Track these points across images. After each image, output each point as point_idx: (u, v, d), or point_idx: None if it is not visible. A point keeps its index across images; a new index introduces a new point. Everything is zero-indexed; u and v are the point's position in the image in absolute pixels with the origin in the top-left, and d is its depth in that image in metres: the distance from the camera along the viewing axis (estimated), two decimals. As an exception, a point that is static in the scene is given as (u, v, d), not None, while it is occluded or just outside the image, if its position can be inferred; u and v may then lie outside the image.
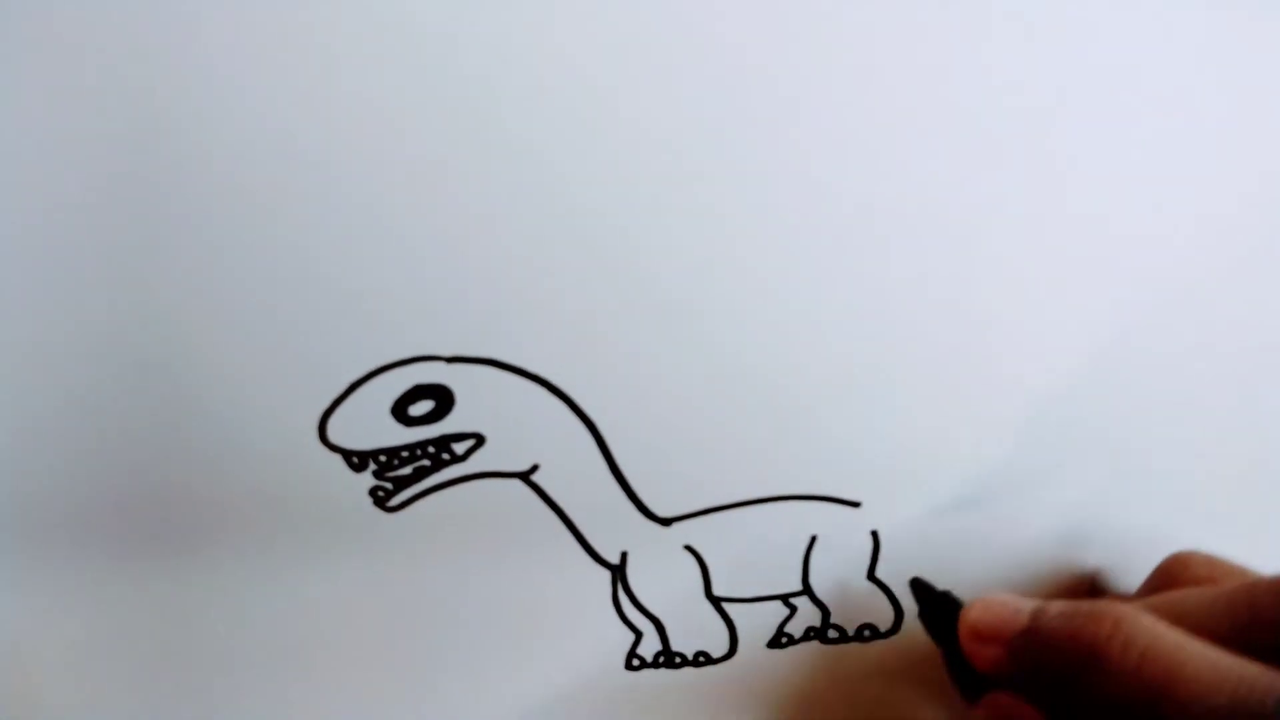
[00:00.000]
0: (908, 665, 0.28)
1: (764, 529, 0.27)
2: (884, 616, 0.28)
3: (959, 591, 0.25)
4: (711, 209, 0.23)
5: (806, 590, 0.28)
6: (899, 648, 0.28)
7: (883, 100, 0.22)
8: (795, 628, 0.28)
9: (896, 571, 0.28)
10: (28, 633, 0.26)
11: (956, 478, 0.27)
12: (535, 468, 0.25)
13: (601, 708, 0.29)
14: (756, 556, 0.27)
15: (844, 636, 0.29)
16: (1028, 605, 0.22)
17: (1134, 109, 0.23)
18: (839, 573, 0.28)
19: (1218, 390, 0.26)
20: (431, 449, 0.25)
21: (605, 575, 0.27)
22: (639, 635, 0.28)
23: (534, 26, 0.21)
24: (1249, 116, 0.23)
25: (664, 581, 0.27)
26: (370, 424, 0.24)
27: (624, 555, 0.27)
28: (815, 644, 0.29)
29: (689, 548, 0.27)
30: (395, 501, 0.25)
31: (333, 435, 0.24)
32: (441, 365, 0.24)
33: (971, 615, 0.23)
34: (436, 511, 0.25)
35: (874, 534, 0.27)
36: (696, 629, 0.28)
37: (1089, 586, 0.28)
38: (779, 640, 0.29)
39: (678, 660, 0.28)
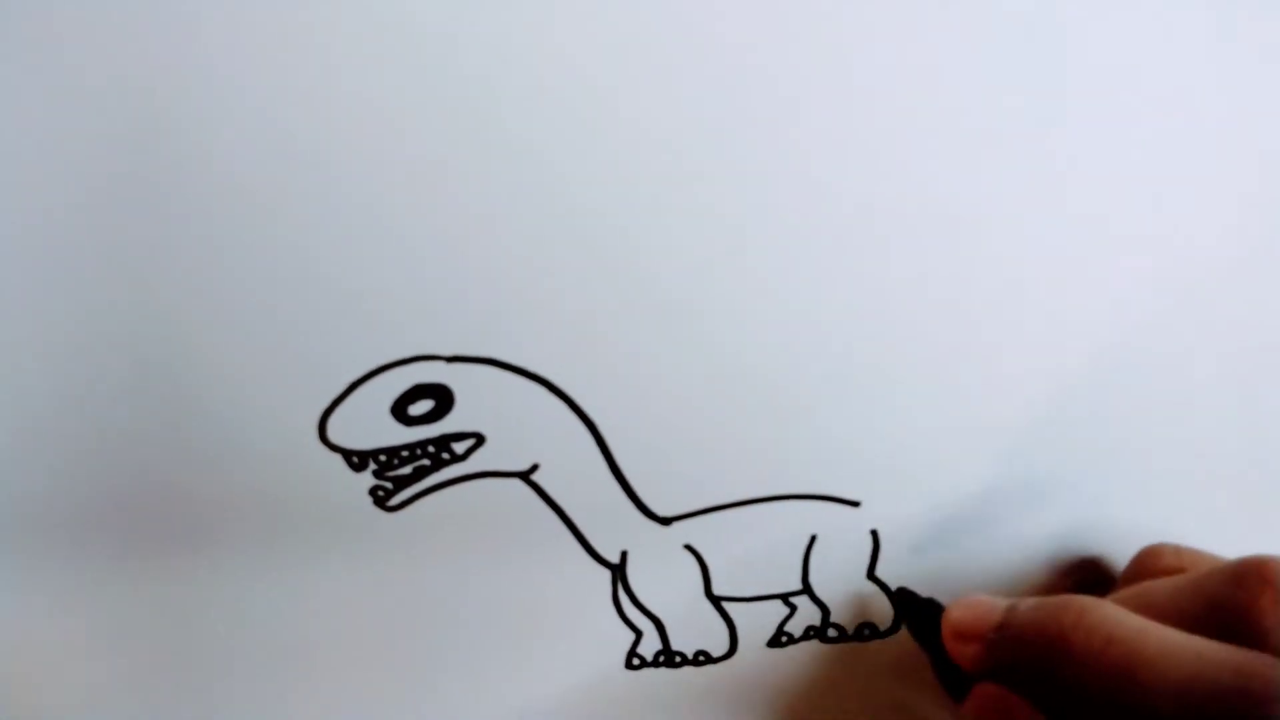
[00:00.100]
0: (907, 664, 0.28)
1: (764, 528, 0.27)
2: (884, 616, 0.28)
3: (960, 591, 0.25)
4: (711, 209, 0.23)
5: (806, 589, 0.28)
6: (899, 647, 0.28)
7: (883, 100, 0.22)
8: (795, 627, 0.28)
9: (896, 571, 0.28)
10: (28, 633, 0.26)
11: (956, 477, 0.27)
12: (535, 467, 0.25)
13: (601, 707, 0.29)
14: (756, 556, 0.27)
15: (844, 636, 0.29)
16: (1004, 603, 0.23)
17: (1134, 109, 0.23)
18: (839, 572, 0.28)
19: (1218, 390, 0.26)
20: (431, 448, 0.25)
21: (605, 574, 0.27)
22: (639, 634, 0.28)
23: (534, 26, 0.21)
24: (1249, 116, 0.23)
25: (664, 581, 0.27)
26: (370, 423, 0.24)
27: (624, 555, 0.27)
28: (815, 643, 0.29)
29: (689, 547, 0.27)
30: (395, 501, 0.25)
31: (333, 435, 0.24)
32: (441, 365, 0.24)
33: (953, 616, 0.24)
34: (436, 511, 0.25)
35: (874, 534, 0.27)
36: (697, 628, 0.28)
37: (1089, 586, 0.28)
38: (779, 639, 0.29)
39: (678, 659, 0.28)
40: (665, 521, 0.26)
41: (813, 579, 0.28)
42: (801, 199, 0.23)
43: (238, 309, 0.23)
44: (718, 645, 0.29)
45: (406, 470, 0.25)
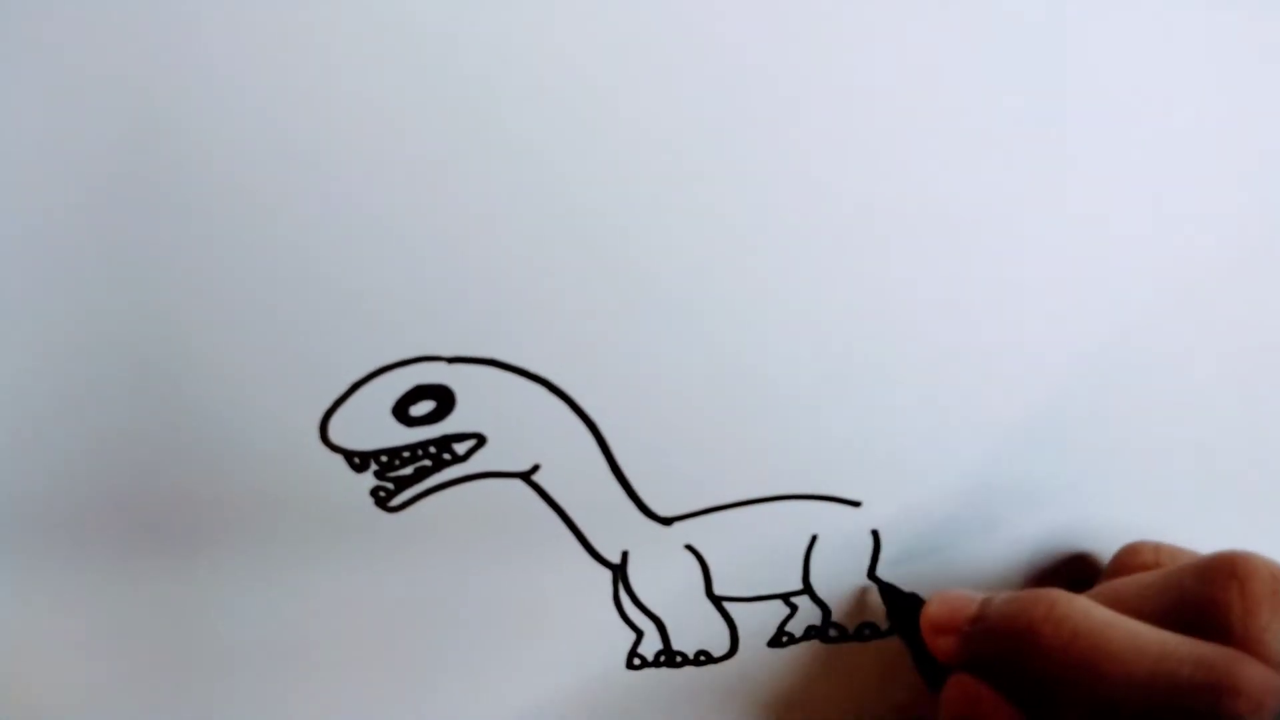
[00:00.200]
0: (908, 664, 0.28)
1: (764, 528, 0.27)
2: (884, 616, 0.28)
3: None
4: (711, 209, 0.23)
5: (807, 589, 0.28)
6: (899, 646, 0.28)
7: (883, 100, 0.22)
8: (796, 626, 0.28)
9: (897, 571, 0.28)
10: (28, 633, 0.26)
11: (957, 477, 0.27)
12: (536, 467, 0.25)
13: (602, 707, 0.29)
14: (757, 556, 0.27)
15: (844, 635, 0.29)
16: (980, 597, 0.24)
17: (1134, 109, 0.23)
18: (839, 572, 0.28)
19: (1218, 390, 0.26)
20: (433, 449, 0.25)
21: (606, 574, 0.27)
22: (640, 634, 0.28)
23: (534, 26, 0.21)
24: (1249, 116, 0.23)
25: (665, 580, 0.27)
26: (371, 424, 0.24)
27: (625, 554, 0.27)
28: (816, 643, 0.29)
29: (690, 547, 0.27)
30: (396, 501, 0.25)
31: (334, 435, 0.24)
32: (442, 365, 0.24)
33: (931, 609, 0.25)
34: (437, 511, 0.25)
35: (874, 533, 0.27)
36: (697, 628, 0.28)
37: (1085, 585, 0.28)
38: (780, 639, 0.29)
39: (679, 659, 0.29)
40: (666, 521, 0.26)
41: (813, 579, 0.28)
42: (801, 199, 0.23)
43: (238, 309, 0.23)
44: (718, 645, 0.29)
45: (408, 471, 0.25)
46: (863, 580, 0.28)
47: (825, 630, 0.29)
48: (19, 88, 0.20)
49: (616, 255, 0.23)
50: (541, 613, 0.27)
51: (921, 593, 0.27)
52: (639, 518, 0.26)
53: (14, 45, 0.20)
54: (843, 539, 0.27)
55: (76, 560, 0.25)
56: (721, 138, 0.22)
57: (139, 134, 0.21)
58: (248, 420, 0.24)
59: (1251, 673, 0.19)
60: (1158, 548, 0.25)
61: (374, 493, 0.25)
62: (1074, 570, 0.28)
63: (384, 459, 0.25)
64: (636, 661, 0.28)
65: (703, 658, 0.29)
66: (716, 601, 0.28)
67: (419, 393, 0.24)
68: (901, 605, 0.27)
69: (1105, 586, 0.23)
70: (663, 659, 0.28)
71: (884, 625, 0.29)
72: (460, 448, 0.25)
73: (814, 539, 0.27)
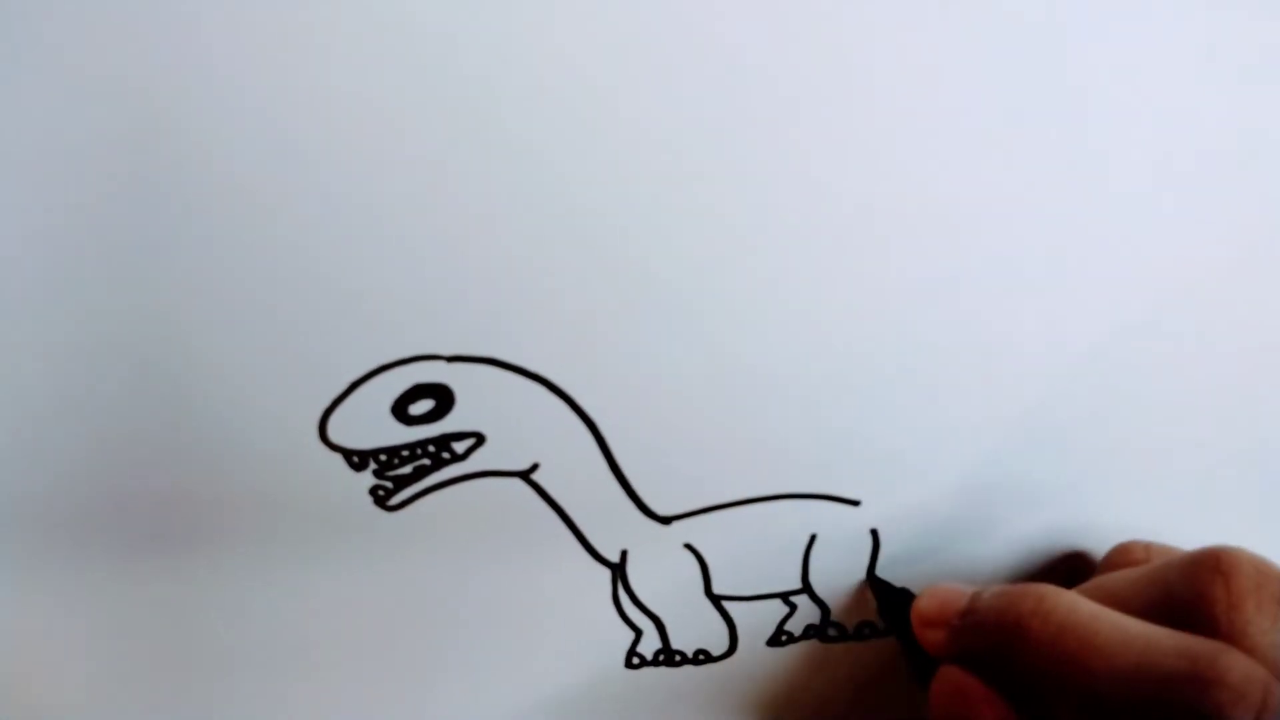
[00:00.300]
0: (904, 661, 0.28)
1: (764, 527, 0.27)
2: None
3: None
4: (711, 209, 0.23)
5: (806, 588, 0.28)
6: (898, 645, 0.29)
7: (883, 100, 0.22)
8: (795, 626, 0.29)
9: (896, 571, 0.28)
10: (28, 633, 0.26)
11: (956, 477, 0.27)
12: (535, 466, 0.25)
13: (601, 706, 0.29)
14: (756, 555, 0.27)
15: (844, 634, 0.29)
16: (970, 591, 0.24)
17: (1134, 109, 0.23)
18: (839, 571, 0.28)
19: (1217, 390, 0.26)
20: (432, 448, 0.25)
21: (605, 573, 0.27)
22: (639, 633, 0.28)
23: (534, 26, 0.21)
24: (1249, 116, 0.23)
25: (664, 580, 0.27)
26: (370, 423, 0.24)
27: (624, 554, 0.27)
28: (815, 642, 0.29)
29: (689, 546, 0.27)
30: (395, 500, 0.25)
31: (333, 434, 0.24)
32: (442, 364, 0.24)
33: (921, 603, 0.25)
34: (436, 511, 0.25)
35: (874, 533, 0.27)
36: (696, 627, 0.28)
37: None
38: (779, 638, 0.29)
39: (678, 658, 0.29)
40: (665, 521, 0.26)
41: (813, 578, 0.28)
42: (801, 199, 0.23)
43: (238, 309, 0.23)
44: (718, 644, 0.29)
45: (407, 470, 0.25)
46: (862, 579, 0.28)
47: (824, 629, 0.29)
48: (19, 88, 0.20)
49: (616, 255, 0.23)
50: (541, 612, 0.27)
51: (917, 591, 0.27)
52: (638, 517, 0.26)
53: (14, 45, 0.20)
54: (842, 538, 0.27)
55: (76, 560, 0.25)
56: (721, 138, 0.22)
57: (139, 134, 0.21)
58: (247, 420, 0.24)
59: (1235, 664, 0.19)
60: (1148, 546, 0.26)
61: (373, 491, 0.25)
62: (1072, 570, 0.28)
63: (383, 458, 0.25)
64: (635, 660, 0.28)
65: (702, 657, 0.29)
66: (715, 600, 0.28)
67: (418, 391, 0.24)
68: (892, 600, 0.27)
69: (1094, 582, 0.24)
70: (662, 658, 0.28)
71: (883, 625, 0.29)
72: (459, 447, 0.25)
73: (813, 538, 0.27)
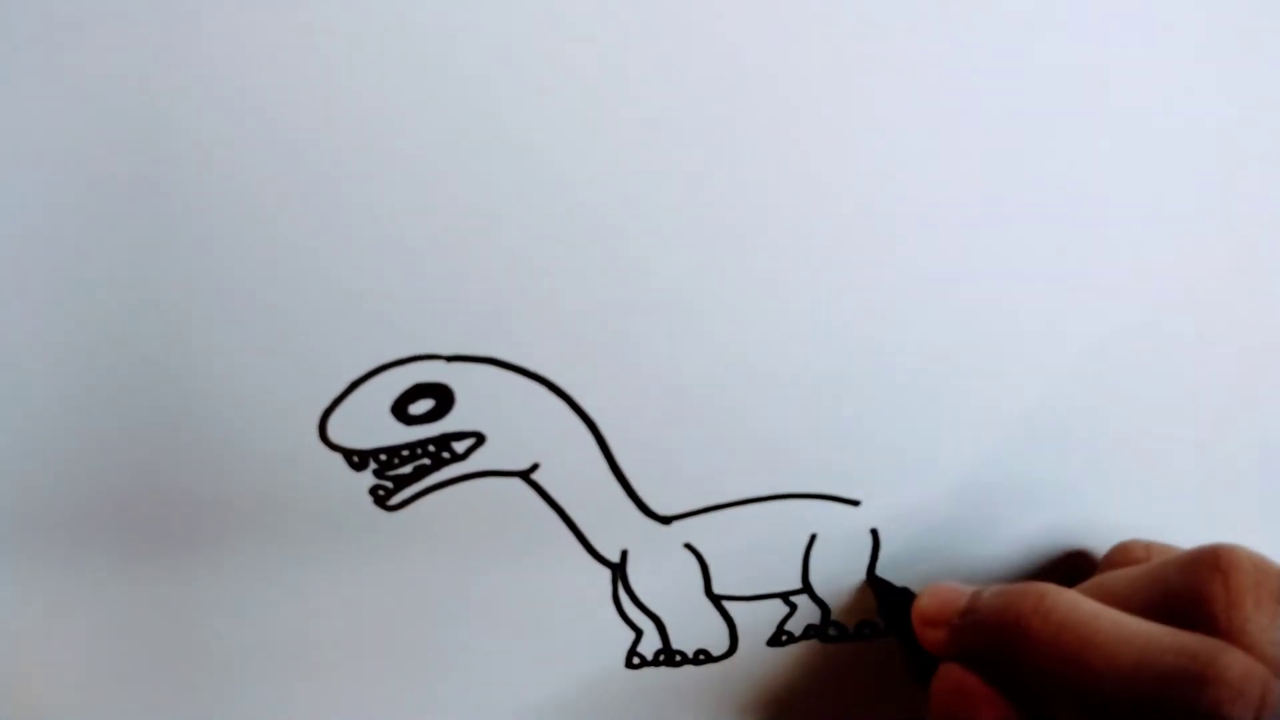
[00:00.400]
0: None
1: (764, 527, 0.27)
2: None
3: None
4: (711, 209, 0.23)
5: (806, 588, 0.28)
6: (897, 645, 0.29)
7: (883, 100, 0.22)
8: (795, 625, 0.29)
9: (896, 571, 0.28)
10: (28, 633, 0.26)
11: (956, 477, 0.27)
12: (535, 466, 0.25)
13: (601, 706, 0.29)
14: (756, 555, 0.27)
15: (844, 634, 0.29)
16: (970, 590, 0.24)
17: (1134, 109, 0.23)
18: (839, 571, 0.28)
19: (1217, 391, 0.26)
20: (432, 448, 0.25)
21: (606, 573, 0.27)
22: (639, 633, 0.28)
23: (534, 26, 0.21)
24: (1249, 116, 0.23)
25: (664, 579, 0.27)
26: (370, 423, 0.24)
27: (624, 553, 0.27)
28: (815, 642, 0.29)
29: (689, 546, 0.27)
30: (395, 500, 0.25)
31: (333, 434, 0.24)
32: (442, 364, 0.24)
33: (922, 602, 0.25)
34: (437, 510, 0.25)
35: (874, 532, 0.27)
36: (697, 627, 0.28)
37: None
38: (779, 638, 0.29)
39: (678, 658, 0.29)
40: (665, 521, 0.26)
41: (813, 578, 0.28)
42: (801, 199, 0.23)
43: (238, 309, 0.23)
44: (718, 644, 0.29)
45: (407, 469, 0.25)
46: (862, 579, 0.28)
47: (825, 629, 0.29)
48: (19, 88, 0.20)
49: (616, 255, 0.23)
50: (541, 612, 0.27)
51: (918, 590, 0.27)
52: (638, 517, 0.26)
53: (14, 45, 0.20)
54: (842, 538, 0.27)
55: (76, 560, 0.25)
56: (721, 138, 0.22)
57: (139, 134, 0.21)
58: (247, 420, 0.24)
59: (1234, 662, 0.19)
60: (1148, 545, 0.26)
61: (373, 491, 0.25)
62: (1073, 569, 0.28)
63: (383, 458, 0.25)
64: (636, 660, 0.28)
65: (702, 657, 0.29)
66: (716, 600, 0.28)
67: (418, 391, 0.24)
68: (892, 599, 0.27)
69: (1094, 581, 0.24)
70: (662, 658, 0.28)
71: (884, 625, 0.29)
72: (459, 446, 0.25)
73: (813, 538, 0.27)
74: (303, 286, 0.22)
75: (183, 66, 0.20)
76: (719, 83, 0.22)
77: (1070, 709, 0.21)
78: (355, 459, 0.25)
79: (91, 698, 0.27)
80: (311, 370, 0.23)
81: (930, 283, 0.24)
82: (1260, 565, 0.21)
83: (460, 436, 0.25)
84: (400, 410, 0.24)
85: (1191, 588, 0.21)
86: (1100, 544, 0.28)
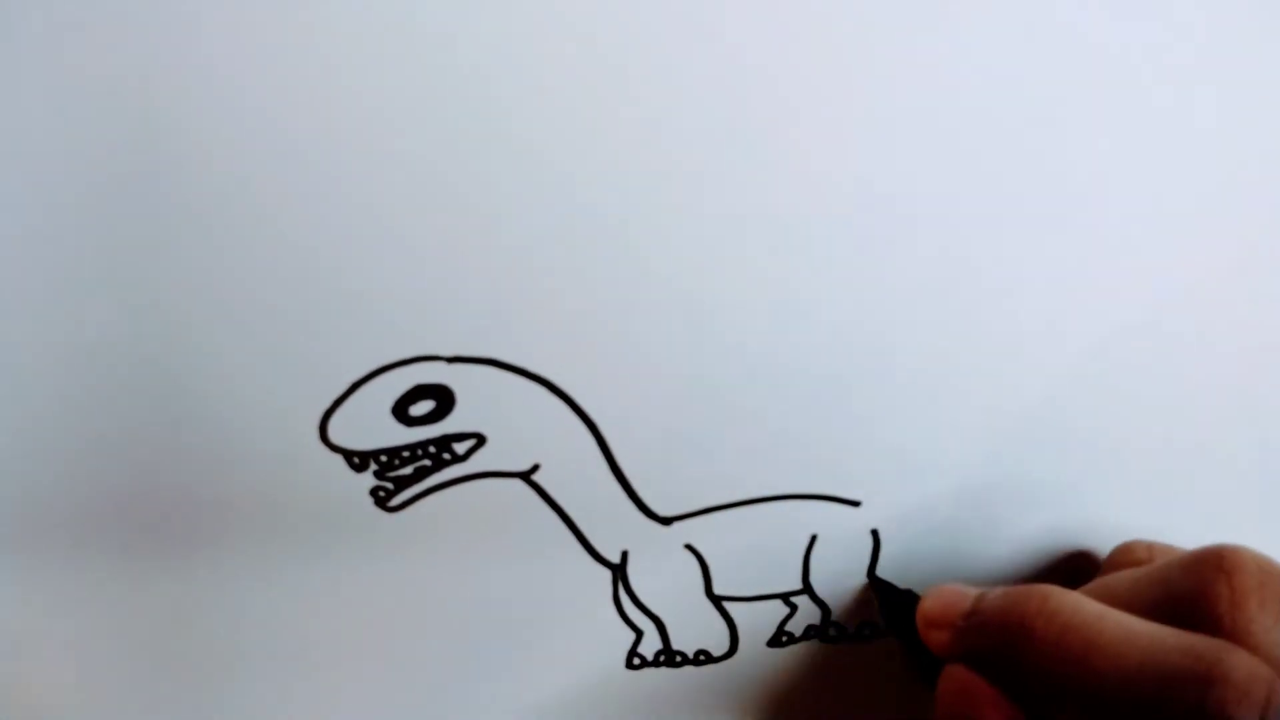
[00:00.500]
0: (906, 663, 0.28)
1: (764, 528, 0.27)
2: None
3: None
4: (711, 208, 0.23)
5: (807, 589, 0.28)
6: (899, 646, 0.28)
7: (883, 99, 0.22)
8: (796, 626, 0.28)
9: (897, 570, 0.28)
10: (28, 633, 0.26)
11: (957, 477, 0.27)
12: (536, 467, 0.25)
13: (602, 707, 0.29)
14: (757, 555, 0.27)
15: (844, 635, 0.29)
16: (974, 592, 0.24)
17: (1134, 108, 0.23)
18: (839, 572, 0.28)
19: (1217, 390, 0.26)
20: (432, 449, 0.25)
21: (606, 574, 0.27)
22: (640, 634, 0.28)
23: (534, 26, 0.21)
24: (1249, 116, 0.23)
25: (664, 580, 0.27)
26: (371, 424, 0.24)
27: (624, 554, 0.27)
28: (815, 642, 0.29)
29: (689, 547, 0.27)
30: (396, 501, 0.25)
31: (333, 435, 0.24)
32: (442, 365, 0.24)
33: (925, 604, 0.25)
34: (437, 511, 0.25)
35: (874, 533, 0.27)
36: (697, 628, 0.28)
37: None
38: (779, 639, 0.29)
39: (678, 659, 0.29)
40: (666, 521, 0.26)
41: (813, 578, 0.28)
42: (801, 198, 0.23)
43: (238, 309, 0.23)
44: (718, 645, 0.29)
45: (407, 471, 0.25)
46: (863, 580, 0.28)
47: (825, 630, 0.29)
48: (19, 88, 0.20)
49: (616, 255, 0.23)
50: (541, 613, 0.27)
51: (921, 592, 0.27)
52: (639, 517, 0.26)
53: (14, 45, 0.20)
54: (842, 539, 0.27)
55: (76, 560, 0.25)
56: (721, 138, 0.22)
57: (139, 134, 0.21)
58: (248, 420, 0.24)
59: (1239, 663, 0.19)
60: (1151, 546, 0.26)
61: (374, 492, 0.25)
62: (1074, 570, 0.28)
63: (384, 459, 0.25)
64: (636, 661, 0.28)
65: (702, 657, 0.29)
66: (716, 601, 0.28)
67: (419, 392, 0.24)
68: (893, 600, 0.27)
69: (1098, 582, 0.24)
70: (662, 659, 0.28)
71: (883, 624, 0.29)
72: (460, 447, 0.25)
73: (814, 539, 0.27)
74: (303, 287, 0.22)
75: (183, 66, 0.20)
76: (719, 82, 0.22)
77: (1075, 710, 0.21)
78: (356, 460, 0.25)
79: (91, 698, 0.27)
80: (312, 371, 0.23)
81: (930, 283, 0.24)
82: (1264, 566, 0.21)
83: (461, 437, 0.25)
84: (401, 411, 0.24)
85: (1195, 589, 0.21)
86: (1101, 544, 0.28)
